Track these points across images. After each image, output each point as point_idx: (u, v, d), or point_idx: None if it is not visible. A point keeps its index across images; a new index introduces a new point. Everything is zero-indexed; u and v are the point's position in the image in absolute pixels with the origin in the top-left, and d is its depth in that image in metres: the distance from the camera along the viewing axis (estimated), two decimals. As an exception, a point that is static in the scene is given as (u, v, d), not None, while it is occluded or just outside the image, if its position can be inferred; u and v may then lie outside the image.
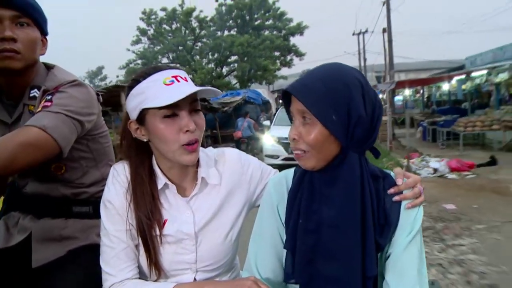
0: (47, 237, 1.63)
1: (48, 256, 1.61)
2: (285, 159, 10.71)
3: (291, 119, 1.26)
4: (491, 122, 12.12)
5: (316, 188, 1.24)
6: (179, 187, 1.41)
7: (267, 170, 1.57)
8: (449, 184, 8.19)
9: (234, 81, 30.39)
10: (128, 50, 31.67)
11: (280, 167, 1.63)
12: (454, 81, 17.17)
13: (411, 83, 19.23)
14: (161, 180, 1.37)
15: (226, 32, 31.46)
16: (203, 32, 29.98)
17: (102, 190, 1.62)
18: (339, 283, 1.17)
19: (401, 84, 17.40)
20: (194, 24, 29.77)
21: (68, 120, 1.46)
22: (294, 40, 31.77)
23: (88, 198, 1.71)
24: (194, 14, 29.33)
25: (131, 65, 31.35)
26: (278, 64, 31.62)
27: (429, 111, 19.86)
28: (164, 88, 1.26)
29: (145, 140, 1.35)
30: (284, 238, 1.31)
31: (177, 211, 1.39)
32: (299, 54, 32.19)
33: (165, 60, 30.35)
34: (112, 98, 10.23)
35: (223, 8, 30.53)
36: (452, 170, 9.10)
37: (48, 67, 1.69)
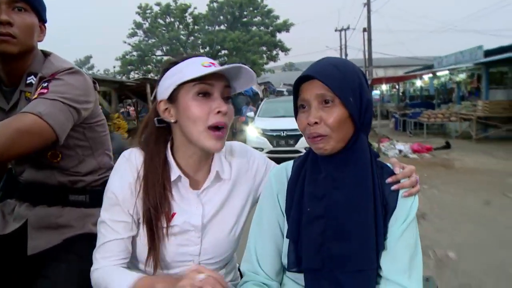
0: (43, 225, 1.61)
1: (44, 244, 1.59)
2: (270, 151, 9.99)
3: (296, 111, 1.29)
4: (450, 115, 14.51)
5: (323, 173, 1.25)
6: (191, 179, 1.39)
7: (271, 165, 1.56)
8: (410, 161, 10.33)
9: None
10: (125, 42, 33.21)
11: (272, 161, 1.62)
12: (426, 78, 19.51)
13: (387, 80, 21.56)
14: (175, 173, 1.35)
15: (216, 28, 33.29)
16: (196, 27, 31.76)
17: (99, 179, 1.70)
18: (353, 261, 1.18)
19: (378, 81, 19.69)
20: (189, 20, 31.52)
21: (65, 107, 1.43)
22: (280, 36, 33.81)
23: (85, 187, 1.69)
24: (189, 10, 31.18)
25: (127, 57, 32.97)
26: (265, 58, 33.68)
27: (402, 105, 22.22)
28: (202, 68, 1.26)
29: (172, 121, 1.33)
30: (284, 227, 1.32)
31: (187, 204, 1.38)
32: (285, 49, 34.20)
33: (159, 53, 32.06)
34: (139, 89, 12.00)
35: (215, 4, 32.31)
36: (414, 151, 11.34)
37: (45, 54, 1.67)
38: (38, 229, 1.61)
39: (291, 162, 1.40)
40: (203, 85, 1.27)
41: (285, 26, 32.68)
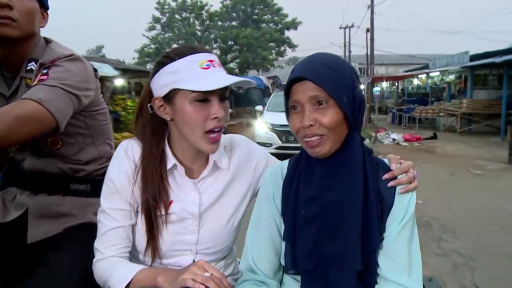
0: (44, 213, 1.61)
1: (44, 232, 1.59)
2: (279, 147, 9.83)
3: (288, 111, 1.26)
4: (439, 111, 16.76)
5: (317, 174, 1.23)
6: (188, 168, 1.39)
7: (272, 159, 1.56)
8: (401, 148, 12.59)
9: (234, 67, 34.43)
10: (143, 35, 35.25)
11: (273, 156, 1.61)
12: (424, 77, 21.74)
13: (387, 78, 23.78)
14: (170, 161, 1.35)
15: (228, 24, 35.37)
16: (211, 23, 33.86)
17: (100, 169, 1.72)
18: (342, 261, 1.17)
19: (379, 79, 21.94)
20: (204, 16, 33.61)
21: (65, 94, 1.42)
22: (288, 33, 35.88)
23: (86, 176, 1.69)
24: (205, 8, 33.32)
25: (146, 49, 34.97)
26: (274, 54, 35.83)
27: (400, 101, 24.46)
28: (201, 72, 1.24)
29: (168, 118, 1.32)
30: (281, 228, 1.31)
31: (184, 192, 1.38)
32: (292, 46, 36.29)
33: (175, 46, 34.10)
34: None
35: (228, 2, 34.36)
36: (405, 140, 13.55)
37: (47, 41, 1.65)
38: (38, 217, 1.60)
39: (286, 162, 1.37)
40: (202, 94, 1.24)
41: (294, 24, 34.73)
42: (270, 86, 29.17)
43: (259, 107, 13.88)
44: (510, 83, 13.91)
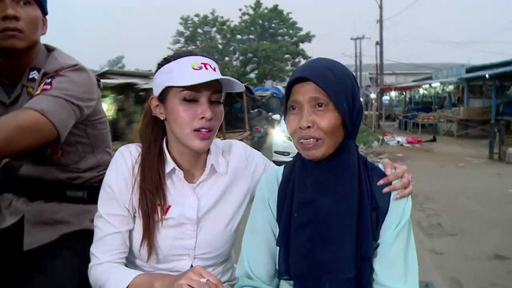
0: (40, 220, 1.60)
1: (40, 239, 1.57)
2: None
3: (286, 111, 1.25)
4: (439, 117, 19.02)
5: (311, 179, 1.23)
6: (186, 172, 1.39)
7: (270, 164, 1.57)
8: (404, 148, 14.84)
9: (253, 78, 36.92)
10: (169, 48, 37.92)
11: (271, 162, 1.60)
12: (428, 86, 24.06)
13: (394, 89, 26.13)
14: (169, 165, 1.36)
15: (246, 37, 37.92)
16: (232, 37, 36.45)
17: (97, 176, 1.70)
18: (334, 268, 1.17)
19: (387, 89, 24.26)
20: (226, 31, 36.21)
21: (67, 104, 1.42)
22: (302, 45, 38.32)
23: (83, 183, 1.68)
24: (227, 23, 35.99)
25: (170, 61, 37.54)
26: (290, 65, 38.31)
27: (406, 109, 26.76)
28: (191, 72, 1.26)
29: (162, 118, 1.34)
30: (277, 233, 1.30)
31: (182, 197, 1.38)
32: (306, 57, 38.60)
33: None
34: None
35: (247, 17, 36.90)
36: (408, 142, 15.80)
37: (49, 49, 1.64)
38: (34, 224, 1.59)
39: (282, 167, 1.38)
40: (190, 91, 1.26)
41: (308, 37, 37.17)
42: (286, 95, 31.56)
43: (276, 116, 14.19)
44: (503, 92, 16.14)
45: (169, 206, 1.37)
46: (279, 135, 10.70)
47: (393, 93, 32.21)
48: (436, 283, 4.37)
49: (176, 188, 1.39)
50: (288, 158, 9.49)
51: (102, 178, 1.49)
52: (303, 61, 39.30)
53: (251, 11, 36.77)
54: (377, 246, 1.21)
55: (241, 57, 35.99)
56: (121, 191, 1.34)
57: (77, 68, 1.53)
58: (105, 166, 1.61)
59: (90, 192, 1.66)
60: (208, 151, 1.43)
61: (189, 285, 1.10)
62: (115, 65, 67.84)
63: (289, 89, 1.23)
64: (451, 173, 9.92)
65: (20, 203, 1.64)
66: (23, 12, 1.46)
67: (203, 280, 1.11)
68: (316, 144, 1.17)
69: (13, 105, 1.57)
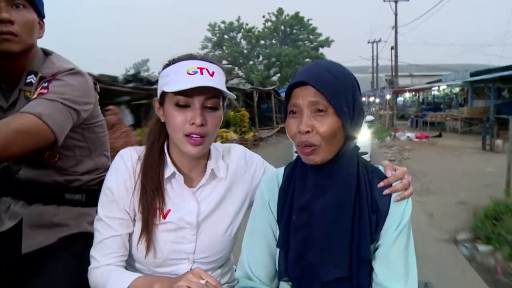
0: (38, 223, 1.60)
1: (39, 242, 1.57)
2: None
3: (286, 115, 1.25)
4: (446, 116, 21.38)
5: (309, 182, 1.23)
6: (186, 177, 1.40)
7: (269, 168, 1.58)
8: (413, 142, 17.26)
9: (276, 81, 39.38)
10: (197, 53, 40.65)
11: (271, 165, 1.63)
12: (441, 88, 26.44)
13: (408, 91, 28.48)
14: (169, 169, 1.37)
15: (268, 42, 40.47)
16: (256, 43, 39.07)
17: (96, 179, 1.72)
18: (325, 269, 1.17)
19: (401, 91, 26.63)
20: (251, 37, 38.86)
21: (64, 108, 1.42)
22: (322, 49, 40.72)
23: (81, 186, 1.69)
24: (252, 30, 38.67)
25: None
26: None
27: (418, 109, 29.10)
28: (184, 77, 1.26)
29: (162, 120, 1.36)
30: (277, 234, 1.31)
31: (182, 201, 1.39)
32: (325, 61, 41.23)
33: (224, 62, 39.37)
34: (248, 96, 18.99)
35: (269, 23, 39.45)
36: (417, 137, 18.22)
37: (46, 53, 1.64)
38: (33, 227, 1.59)
39: (282, 169, 1.38)
40: (182, 97, 1.27)
41: (327, 42, 39.59)
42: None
43: None
44: (506, 93, 18.41)
45: (169, 210, 1.37)
46: None
47: (407, 95, 34.51)
48: (417, 215, 7.01)
49: (176, 192, 1.39)
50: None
51: (101, 181, 1.53)
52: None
53: (273, 18, 39.31)
54: (377, 247, 1.21)
55: (264, 61, 38.57)
56: (121, 194, 1.34)
57: (74, 72, 1.52)
58: (103, 169, 1.70)
59: (88, 195, 1.67)
60: (208, 155, 1.43)
61: (188, 287, 1.10)
62: (141, 68, 70.85)
63: (289, 92, 1.21)
64: (447, 159, 12.34)
65: (18, 207, 1.63)
66: (17, 16, 1.44)
67: (202, 282, 1.11)
68: (315, 150, 1.16)
69: (11, 110, 1.55)
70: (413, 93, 35.13)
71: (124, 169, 1.37)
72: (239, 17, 38.98)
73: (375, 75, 43.40)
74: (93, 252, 1.36)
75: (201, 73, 1.28)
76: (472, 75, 20.77)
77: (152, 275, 1.38)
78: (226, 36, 39.48)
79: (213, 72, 1.30)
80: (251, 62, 38.55)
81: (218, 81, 1.30)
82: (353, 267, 1.18)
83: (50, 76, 1.49)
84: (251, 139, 16.77)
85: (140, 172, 1.36)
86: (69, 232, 1.63)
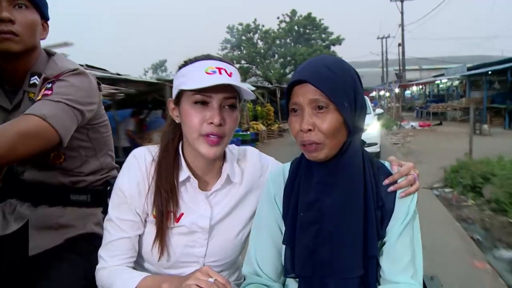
0: (44, 225, 1.61)
1: (45, 244, 1.58)
2: None
3: (287, 113, 1.25)
4: (447, 107, 24.01)
5: (315, 179, 1.23)
6: (200, 180, 1.39)
7: None
8: (416, 130, 19.92)
9: (291, 78, 41.93)
10: (218, 54, 43.39)
11: None
12: (445, 80, 29.11)
13: (413, 85, 31.09)
14: (184, 173, 1.35)
15: (283, 41, 43.09)
16: (272, 43, 41.73)
17: (101, 179, 1.73)
18: (339, 268, 1.17)
19: (405, 85, 29.25)
20: (268, 38, 41.54)
21: (69, 109, 1.42)
22: (333, 47, 43.20)
23: (86, 187, 1.69)
24: (269, 31, 41.42)
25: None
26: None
27: (424, 101, 31.74)
28: (203, 76, 1.26)
29: (177, 121, 1.35)
30: (283, 230, 1.31)
31: (195, 205, 1.38)
32: (337, 58, 43.74)
33: (242, 62, 42.09)
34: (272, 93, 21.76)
35: (284, 24, 42.06)
36: (420, 126, 20.88)
37: (49, 54, 1.64)
38: (39, 229, 1.60)
39: (288, 164, 1.38)
40: (201, 95, 1.26)
41: (338, 41, 42.08)
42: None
43: None
44: (497, 85, 21.00)
45: (182, 214, 1.36)
46: None
47: (415, 88, 37.05)
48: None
49: (190, 195, 1.38)
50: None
51: (106, 181, 1.65)
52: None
53: (287, 19, 41.93)
54: (383, 243, 1.21)
55: (280, 60, 41.24)
56: (133, 196, 1.33)
57: (77, 72, 1.52)
58: (108, 169, 1.75)
59: (94, 196, 1.68)
60: (224, 158, 1.43)
61: (197, 285, 1.10)
62: (158, 68, 73.47)
63: (289, 90, 1.21)
64: (441, 141, 15.01)
65: (24, 208, 1.64)
66: (18, 16, 1.44)
67: (211, 280, 1.11)
68: (318, 147, 1.16)
69: (15, 111, 1.55)
70: (420, 86, 37.62)
71: (137, 170, 1.35)
72: (255, 19, 41.63)
73: (384, 69, 45.84)
74: (102, 252, 1.35)
75: (220, 73, 1.27)
76: (469, 69, 23.36)
77: (161, 274, 1.38)
78: (243, 37, 42.11)
79: (231, 73, 1.30)
80: (267, 61, 41.15)
81: (236, 81, 1.30)
82: (365, 264, 1.17)
83: (54, 77, 1.49)
84: (276, 130, 19.35)
85: (154, 174, 1.34)
86: (75, 233, 1.62)
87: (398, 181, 1.23)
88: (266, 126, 19.01)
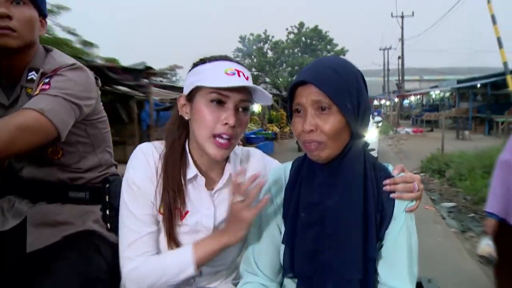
0: (43, 222, 1.60)
1: (43, 241, 1.57)
2: None
3: (291, 115, 1.25)
4: (438, 115, 26.96)
5: (317, 180, 1.24)
6: (206, 177, 1.39)
7: None
8: (409, 135, 22.81)
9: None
10: (230, 63, 46.39)
11: None
12: (438, 92, 32.16)
13: (409, 95, 34.04)
14: (192, 170, 1.35)
15: (291, 51, 46.01)
16: (281, 52, 44.64)
17: (99, 176, 1.72)
18: (340, 270, 1.17)
19: (403, 96, 32.22)
20: (277, 48, 44.49)
21: (66, 103, 1.42)
22: (338, 57, 46.09)
23: (85, 184, 1.68)
24: (279, 42, 44.41)
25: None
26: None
27: (420, 110, 34.73)
28: (224, 76, 1.26)
29: (186, 118, 1.35)
30: (282, 230, 1.31)
31: (200, 203, 1.38)
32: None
33: (253, 69, 44.94)
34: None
35: (292, 35, 44.99)
36: (413, 132, 23.78)
37: (47, 49, 1.63)
38: (37, 226, 1.59)
39: (289, 164, 1.38)
40: (218, 95, 1.25)
41: (342, 52, 44.89)
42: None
43: None
44: (480, 98, 23.95)
45: (187, 212, 1.35)
46: None
47: (413, 98, 40.04)
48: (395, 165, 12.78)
49: (195, 193, 1.38)
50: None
51: (104, 178, 1.65)
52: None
53: (295, 30, 44.91)
54: (381, 247, 1.21)
55: (288, 69, 44.12)
56: (147, 190, 1.32)
57: (75, 67, 1.52)
58: (106, 165, 1.74)
59: (92, 193, 1.67)
60: (227, 158, 1.41)
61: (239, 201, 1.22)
62: (171, 71, 76.32)
63: (292, 91, 1.21)
64: (428, 144, 17.75)
65: (22, 205, 1.63)
66: (16, 11, 1.44)
67: (239, 198, 1.24)
68: (320, 147, 1.16)
69: (13, 107, 1.55)
70: (418, 96, 40.55)
71: (147, 165, 1.34)
72: (265, 30, 44.55)
73: (386, 79, 48.82)
74: (128, 252, 1.29)
75: (239, 75, 1.27)
76: (459, 82, 26.32)
77: (209, 236, 1.35)
78: (254, 47, 45.06)
79: (247, 77, 1.30)
80: (276, 70, 44.06)
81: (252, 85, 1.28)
82: (359, 265, 1.16)
83: (52, 71, 1.49)
84: (288, 131, 22.09)
85: (161, 171, 1.33)
86: (73, 230, 1.61)
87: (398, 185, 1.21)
88: (279, 128, 21.98)
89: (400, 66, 39.38)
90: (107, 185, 1.70)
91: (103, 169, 1.75)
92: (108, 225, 1.67)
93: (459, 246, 5.40)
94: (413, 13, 40.45)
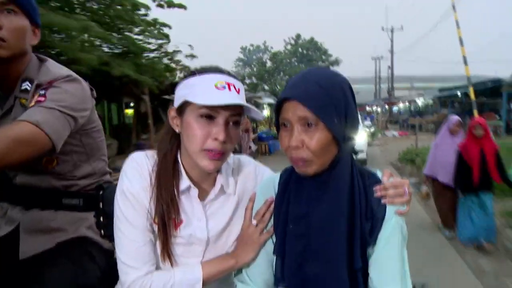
0: (36, 228, 1.59)
1: (36, 248, 1.56)
2: None
3: (278, 128, 1.24)
4: (422, 120, 30.18)
5: (305, 192, 1.24)
6: (199, 188, 1.37)
7: None
8: (395, 137, 25.89)
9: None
10: (231, 70, 49.14)
11: None
12: (422, 99, 35.40)
13: (397, 102, 37.25)
14: (185, 182, 1.34)
15: (288, 61, 49.02)
16: (279, 63, 47.63)
17: (93, 183, 1.72)
18: (327, 281, 1.17)
19: (391, 103, 35.42)
20: (276, 59, 47.45)
21: (62, 116, 1.42)
22: (332, 68, 48.99)
23: (79, 191, 1.68)
24: (277, 53, 47.43)
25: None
26: (322, 84, 49.23)
27: (406, 116, 37.96)
28: (213, 90, 1.24)
29: (177, 130, 1.33)
30: (273, 241, 1.32)
31: (192, 214, 1.37)
32: (335, 77, 49.58)
33: (253, 78, 47.87)
34: None
35: (289, 46, 47.98)
36: (399, 134, 26.92)
37: (41, 59, 1.62)
38: (30, 232, 1.58)
39: (278, 176, 1.38)
40: (208, 110, 1.24)
41: (336, 62, 47.96)
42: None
43: None
44: (456, 105, 27.18)
45: (180, 222, 1.34)
46: None
47: (401, 105, 43.26)
48: (379, 158, 15.63)
49: (188, 204, 1.36)
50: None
51: (98, 186, 1.65)
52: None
53: (292, 41, 47.98)
54: (373, 252, 1.21)
55: (285, 78, 46.96)
56: (144, 200, 1.30)
57: (70, 78, 1.52)
58: (101, 173, 1.75)
59: (86, 200, 1.67)
60: (219, 169, 1.39)
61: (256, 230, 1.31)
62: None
63: (279, 104, 1.20)
64: (409, 144, 20.78)
65: (15, 212, 1.63)
66: (6, 21, 1.44)
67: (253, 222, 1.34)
68: (306, 164, 1.16)
69: (6, 117, 1.54)
70: (407, 103, 43.73)
71: (141, 176, 1.31)
72: (265, 41, 47.72)
73: (377, 86, 52.00)
74: (130, 261, 1.28)
75: (229, 89, 1.25)
76: (440, 90, 29.55)
77: (219, 257, 1.40)
78: (254, 57, 48.05)
79: (238, 89, 1.28)
80: (274, 78, 47.05)
81: (243, 98, 1.29)
82: (345, 278, 1.16)
83: (47, 83, 1.48)
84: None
85: (155, 182, 1.31)
86: (66, 237, 1.60)
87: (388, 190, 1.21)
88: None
89: (390, 76, 42.53)
90: (101, 192, 1.71)
91: (97, 177, 1.75)
92: (102, 231, 1.68)
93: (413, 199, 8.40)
94: (402, 26, 43.77)
